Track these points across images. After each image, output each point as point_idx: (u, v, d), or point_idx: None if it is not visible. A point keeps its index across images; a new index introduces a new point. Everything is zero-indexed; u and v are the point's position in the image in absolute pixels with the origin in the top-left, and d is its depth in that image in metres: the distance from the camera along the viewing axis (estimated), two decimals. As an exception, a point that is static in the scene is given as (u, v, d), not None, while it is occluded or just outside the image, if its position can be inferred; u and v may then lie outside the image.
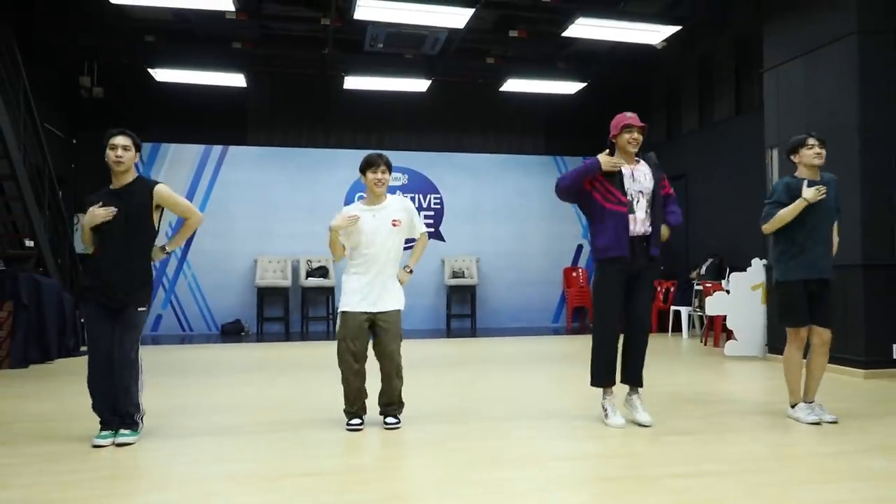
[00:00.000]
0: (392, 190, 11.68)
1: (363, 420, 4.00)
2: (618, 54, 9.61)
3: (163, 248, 3.86)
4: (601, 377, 4.04)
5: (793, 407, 4.17)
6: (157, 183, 3.78)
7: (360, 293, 3.92)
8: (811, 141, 4.17)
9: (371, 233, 3.93)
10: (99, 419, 3.66)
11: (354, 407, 3.99)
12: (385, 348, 3.95)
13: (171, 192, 3.80)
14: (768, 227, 4.18)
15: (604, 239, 3.94)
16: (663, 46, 8.52)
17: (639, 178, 4.00)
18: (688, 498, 2.76)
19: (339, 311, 4.01)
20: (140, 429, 3.70)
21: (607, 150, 4.05)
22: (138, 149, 3.77)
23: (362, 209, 3.99)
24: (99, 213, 3.62)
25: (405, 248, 4.15)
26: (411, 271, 4.11)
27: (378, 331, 3.97)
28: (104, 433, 3.60)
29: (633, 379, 4.10)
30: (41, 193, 8.06)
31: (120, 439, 3.58)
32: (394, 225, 3.98)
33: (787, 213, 4.06)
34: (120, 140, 3.68)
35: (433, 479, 3.08)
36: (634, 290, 4.01)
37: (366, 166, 3.99)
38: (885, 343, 5.74)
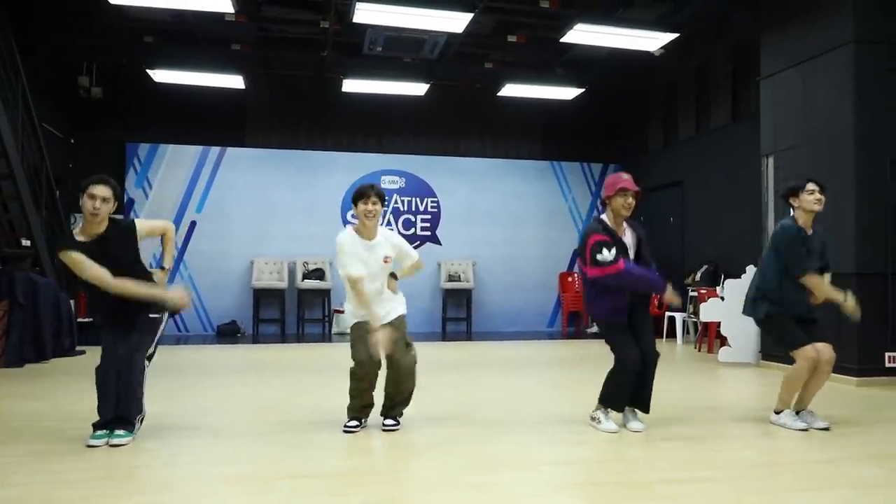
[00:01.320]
0: (389, 193, 11.64)
1: (362, 423, 4.01)
2: (615, 61, 9.64)
3: (162, 268, 3.89)
4: (616, 403, 4.03)
5: (777, 413, 4.19)
6: (132, 221, 3.78)
7: (363, 318, 3.96)
8: (811, 186, 4.11)
9: (365, 266, 3.96)
10: (99, 420, 3.63)
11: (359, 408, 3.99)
12: (396, 350, 3.96)
13: (146, 221, 3.90)
14: (809, 283, 4.07)
15: (604, 308, 3.95)
16: (661, 53, 8.55)
17: (627, 238, 4.00)
18: (679, 503, 2.77)
19: (348, 325, 4.03)
20: (136, 431, 3.70)
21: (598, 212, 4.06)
22: (117, 199, 3.65)
23: (358, 242, 3.97)
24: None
25: None
26: (395, 276, 4.15)
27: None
28: (98, 434, 3.59)
29: (643, 405, 4.10)
30: (38, 193, 8.06)
31: (115, 440, 3.56)
32: (385, 262, 4.01)
33: (827, 291, 4.06)
34: (99, 191, 3.54)
35: (428, 482, 3.09)
36: (637, 328, 4.00)
37: (357, 197, 3.98)
38: (878, 351, 5.78)
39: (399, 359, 3.93)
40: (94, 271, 3.50)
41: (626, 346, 3.95)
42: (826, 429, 4.04)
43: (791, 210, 4.24)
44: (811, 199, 4.09)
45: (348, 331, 4.06)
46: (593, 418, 4.07)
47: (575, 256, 11.57)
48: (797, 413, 4.18)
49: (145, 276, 3.74)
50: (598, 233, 3.88)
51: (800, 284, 4.08)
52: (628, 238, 4.01)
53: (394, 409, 4.07)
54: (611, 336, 4.02)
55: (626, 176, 3.98)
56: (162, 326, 3.80)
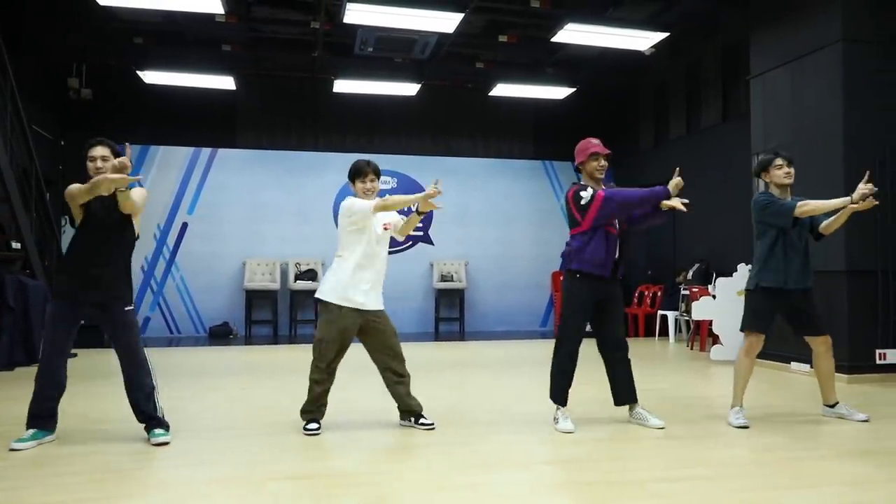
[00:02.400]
0: (381, 194, 11.67)
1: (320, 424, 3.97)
2: (606, 60, 9.67)
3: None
4: (560, 394, 4.06)
5: (732, 408, 4.21)
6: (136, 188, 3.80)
7: (366, 283, 3.91)
8: (779, 161, 4.20)
9: (375, 230, 3.99)
10: (30, 418, 3.65)
11: (315, 406, 3.96)
12: (387, 340, 3.96)
13: (140, 192, 3.87)
14: (806, 210, 4.00)
15: (595, 255, 3.93)
16: (651, 53, 8.58)
17: None
18: (671, 502, 2.79)
19: (323, 300, 3.92)
20: (168, 428, 3.76)
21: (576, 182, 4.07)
22: (117, 156, 3.74)
23: None
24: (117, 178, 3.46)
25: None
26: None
27: (373, 330, 3.97)
28: (25, 437, 3.59)
29: (629, 399, 4.13)
30: (28, 195, 8.01)
31: (157, 439, 3.65)
32: (384, 228, 4.04)
33: (830, 204, 3.96)
34: (98, 151, 3.70)
35: (420, 482, 3.10)
36: (608, 314, 4.04)
37: (354, 175, 4.02)
38: (869, 348, 5.81)
39: (382, 329, 3.95)
40: (82, 186, 3.56)
41: (577, 323, 3.99)
42: (866, 420, 4.13)
43: (766, 187, 4.33)
44: (780, 173, 4.18)
45: (323, 299, 3.91)
46: (555, 419, 4.06)
47: (567, 256, 11.60)
48: (831, 407, 4.29)
49: (126, 243, 3.80)
50: (573, 186, 4.00)
51: (790, 252, 4.09)
52: None
53: (408, 402, 4.02)
54: (571, 302, 4.01)
55: (595, 141, 4.07)
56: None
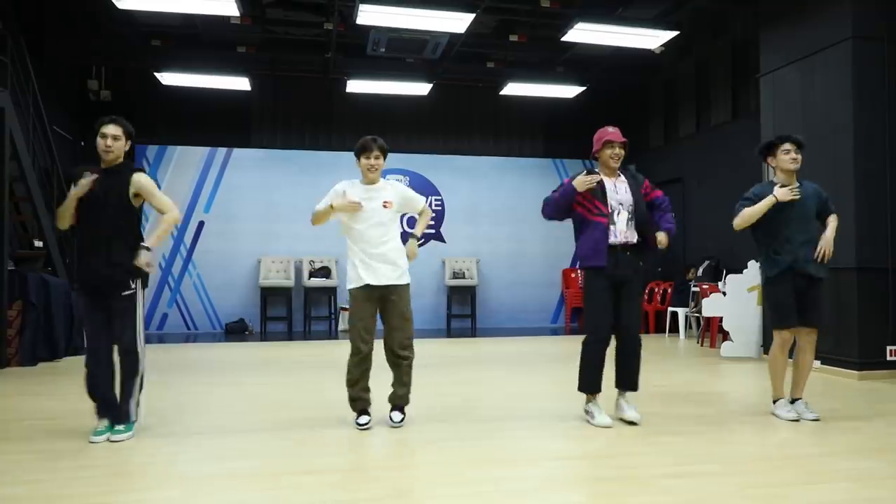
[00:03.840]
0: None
1: (370, 416, 4.03)
2: (616, 59, 9.72)
3: (144, 246, 3.70)
4: (588, 385, 4.06)
5: (774, 402, 4.27)
6: (139, 170, 3.77)
7: (360, 267, 3.95)
8: (787, 145, 4.11)
9: (363, 210, 3.95)
10: (97, 413, 3.72)
11: (356, 393, 3.99)
12: (393, 322, 3.96)
13: (151, 183, 3.77)
14: (738, 223, 4.18)
15: (583, 249, 4.01)
16: (661, 51, 8.62)
17: (620, 191, 4.05)
18: (681, 498, 2.79)
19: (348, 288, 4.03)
20: (133, 425, 3.74)
21: (584, 172, 4.06)
22: (129, 137, 3.77)
23: (358, 186, 4.03)
24: (83, 182, 3.57)
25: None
26: (418, 238, 4.14)
27: (385, 309, 4.00)
28: (99, 430, 3.66)
29: (629, 385, 4.14)
30: (49, 195, 8.19)
31: (115, 437, 3.63)
32: (385, 206, 4.00)
33: (755, 210, 4.08)
34: (110, 129, 3.70)
35: (431, 477, 3.13)
36: (621, 301, 4.01)
37: (360, 151, 4.01)
38: (879, 345, 5.83)
39: (396, 328, 3.96)
40: (63, 204, 3.63)
41: (596, 317, 3.98)
42: (816, 420, 4.10)
43: (773, 172, 4.28)
44: (787, 158, 4.12)
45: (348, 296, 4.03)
46: (587, 412, 4.09)
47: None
48: (791, 402, 4.26)
49: (124, 224, 3.71)
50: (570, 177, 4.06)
51: (792, 236, 4.09)
52: (621, 188, 4.06)
53: (398, 394, 4.06)
54: (587, 298, 4.04)
55: (611, 129, 4.07)
56: (140, 302, 3.75)
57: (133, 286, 3.73)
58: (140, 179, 3.73)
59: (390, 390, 4.11)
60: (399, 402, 4.11)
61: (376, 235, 3.97)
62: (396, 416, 4.07)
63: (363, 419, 3.99)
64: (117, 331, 3.71)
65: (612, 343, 4.09)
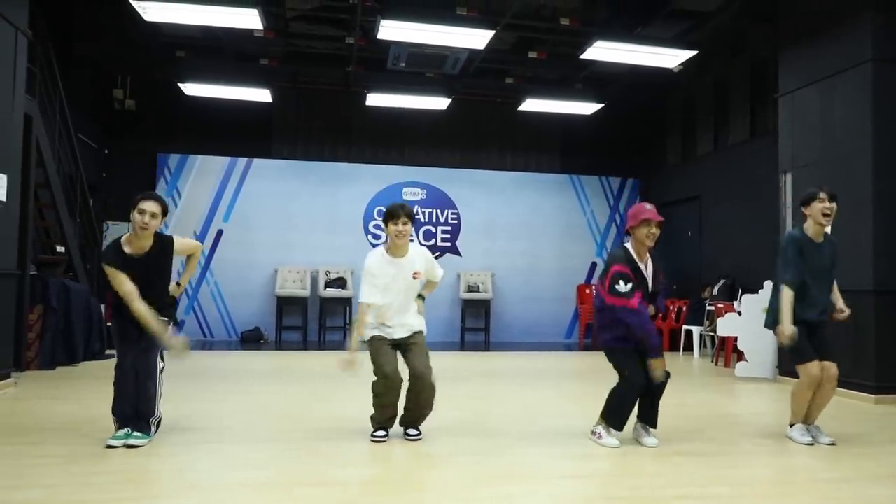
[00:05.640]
0: (411, 204, 11.82)
1: (388, 431, 4.07)
2: (634, 77, 9.74)
3: (177, 283, 4.05)
4: (623, 421, 4.06)
5: (791, 426, 4.25)
6: (171, 238, 3.90)
7: (382, 331, 4.04)
8: (822, 195, 4.20)
9: (392, 282, 4.02)
10: (115, 420, 3.78)
11: (383, 416, 4.04)
12: (415, 362, 3.99)
13: (183, 240, 3.99)
14: (782, 307, 4.14)
15: (611, 334, 4.00)
16: (679, 70, 8.64)
17: (647, 273, 4.05)
18: (691, 519, 2.78)
19: (366, 337, 4.07)
20: (152, 433, 3.83)
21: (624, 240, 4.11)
22: (165, 214, 3.80)
23: (387, 262, 4.06)
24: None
25: None
26: (423, 298, 4.23)
27: (406, 350, 4.07)
28: (118, 434, 3.72)
29: (651, 422, 4.13)
30: (73, 201, 8.34)
31: (131, 441, 3.69)
32: (414, 277, 4.07)
33: (783, 315, 4.11)
34: (149, 206, 3.69)
35: (444, 492, 3.14)
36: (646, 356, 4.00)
37: (388, 217, 4.02)
38: None
39: (422, 371, 3.96)
40: (125, 287, 3.68)
41: (632, 367, 3.97)
42: (832, 444, 4.08)
43: (804, 221, 4.32)
44: (820, 206, 4.17)
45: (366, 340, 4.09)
46: (594, 433, 4.08)
47: (593, 268, 11.65)
48: (806, 425, 4.25)
49: (166, 282, 3.93)
50: (620, 263, 3.93)
51: (811, 288, 4.14)
52: (649, 268, 4.06)
53: (415, 420, 4.11)
54: (616, 358, 4.05)
55: (649, 206, 4.03)
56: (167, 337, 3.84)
57: (169, 319, 3.88)
58: (181, 246, 3.94)
59: (405, 412, 4.12)
60: (418, 422, 4.13)
61: (399, 306, 4.05)
62: (412, 430, 4.09)
63: (380, 433, 4.02)
64: (151, 353, 3.81)
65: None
